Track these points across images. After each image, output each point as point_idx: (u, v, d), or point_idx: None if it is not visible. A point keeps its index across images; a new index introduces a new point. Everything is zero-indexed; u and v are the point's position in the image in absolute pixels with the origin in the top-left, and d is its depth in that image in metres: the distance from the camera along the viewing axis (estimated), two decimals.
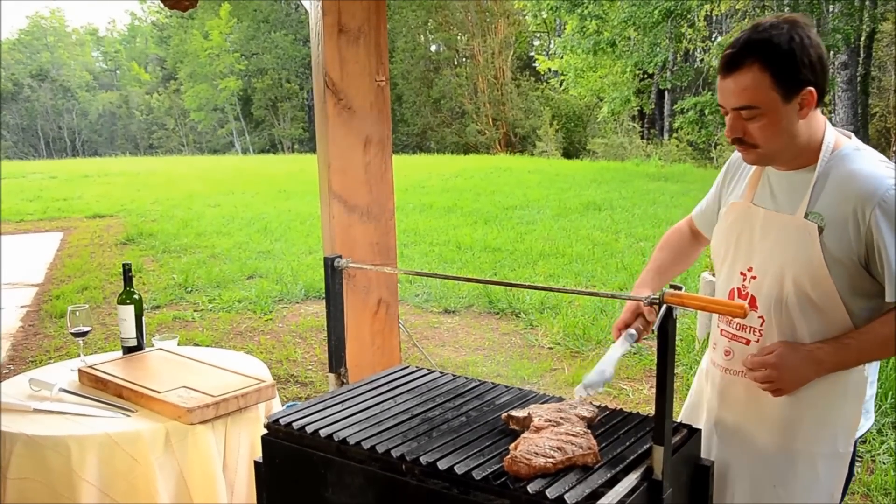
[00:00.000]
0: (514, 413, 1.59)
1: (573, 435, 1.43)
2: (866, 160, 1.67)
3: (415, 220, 12.14)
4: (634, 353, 5.62)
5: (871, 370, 1.75)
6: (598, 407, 1.68)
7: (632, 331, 1.77)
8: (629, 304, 1.85)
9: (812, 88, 1.60)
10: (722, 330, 1.85)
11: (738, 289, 1.80)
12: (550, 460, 1.35)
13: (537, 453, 1.36)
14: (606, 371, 1.62)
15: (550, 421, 1.51)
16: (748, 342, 1.77)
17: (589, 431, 1.46)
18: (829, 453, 1.74)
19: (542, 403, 1.66)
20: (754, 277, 1.76)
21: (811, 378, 1.68)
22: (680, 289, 1.36)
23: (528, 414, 1.56)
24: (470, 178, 18.50)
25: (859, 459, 3.89)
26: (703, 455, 1.68)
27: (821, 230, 1.63)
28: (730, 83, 1.61)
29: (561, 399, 1.73)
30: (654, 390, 1.43)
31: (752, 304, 1.76)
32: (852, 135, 1.76)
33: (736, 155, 1.92)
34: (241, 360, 2.84)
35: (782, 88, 1.58)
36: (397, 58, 35.32)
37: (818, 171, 1.67)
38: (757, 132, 1.63)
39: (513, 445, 1.42)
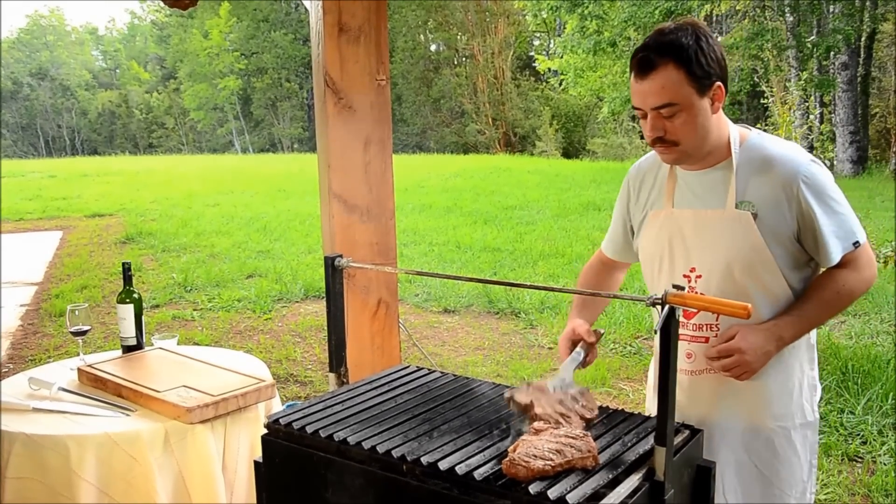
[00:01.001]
0: (516, 397, 1.59)
1: (573, 437, 1.42)
2: (776, 144, 1.79)
3: (414, 220, 12.14)
4: (634, 353, 5.62)
5: (812, 334, 1.88)
6: (600, 407, 1.67)
7: (580, 353, 1.85)
8: (569, 332, 1.92)
9: (720, 83, 1.70)
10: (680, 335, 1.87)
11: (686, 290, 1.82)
12: (549, 463, 1.34)
13: (536, 455, 1.35)
14: (567, 379, 1.70)
15: (550, 422, 1.50)
16: (707, 340, 1.82)
17: (588, 434, 1.46)
18: (801, 424, 1.86)
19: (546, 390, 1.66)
20: (699, 276, 1.81)
21: (773, 354, 1.75)
22: (682, 289, 1.35)
23: (531, 402, 1.56)
24: (469, 178, 18.50)
25: (860, 460, 3.89)
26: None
27: (755, 216, 1.72)
28: (648, 84, 1.67)
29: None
30: None
31: None
32: (750, 127, 1.86)
33: (633, 174, 2.01)
34: (240, 360, 2.84)
35: (696, 83, 1.66)
36: (397, 58, 35.32)
37: (736, 162, 1.75)
38: (677, 129, 1.70)
39: (511, 448, 1.41)
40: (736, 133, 1.79)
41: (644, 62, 1.66)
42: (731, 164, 1.76)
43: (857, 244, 1.77)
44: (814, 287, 1.81)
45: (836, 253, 1.75)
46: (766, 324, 1.75)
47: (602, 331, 1.86)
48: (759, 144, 1.78)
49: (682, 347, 1.85)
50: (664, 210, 1.87)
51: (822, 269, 1.83)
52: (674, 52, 1.64)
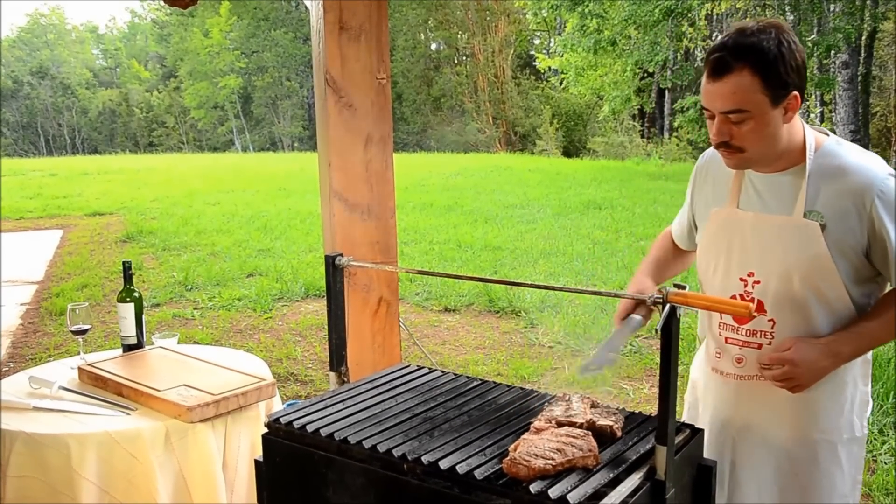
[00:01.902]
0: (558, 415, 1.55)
1: (573, 437, 1.42)
2: (853, 154, 1.71)
3: (415, 219, 12.14)
4: (635, 353, 5.61)
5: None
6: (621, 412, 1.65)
7: (636, 316, 1.76)
8: (635, 292, 1.84)
9: (797, 93, 1.64)
10: (728, 339, 1.84)
11: (741, 295, 1.79)
12: (550, 462, 1.34)
13: (537, 455, 1.35)
14: (611, 355, 1.62)
15: (551, 422, 1.50)
16: (760, 346, 1.77)
17: (589, 433, 1.45)
18: (848, 439, 1.80)
19: (578, 402, 1.62)
20: (757, 282, 1.76)
21: (829, 370, 1.71)
22: (684, 288, 1.35)
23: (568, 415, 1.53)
24: (470, 177, 18.50)
25: None
26: (716, 459, 1.68)
27: (823, 227, 1.65)
28: (720, 86, 1.61)
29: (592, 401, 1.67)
30: (654, 389, 1.43)
31: (760, 308, 1.76)
32: (829, 132, 1.79)
33: (701, 164, 1.96)
34: (241, 359, 2.84)
35: (771, 93, 1.60)
36: (398, 56, 35.32)
37: (809, 170, 1.69)
38: (744, 136, 1.64)
39: (512, 447, 1.41)
40: (812, 139, 1.72)
41: (719, 63, 1.60)
42: (803, 170, 1.70)
43: None
44: (879, 305, 1.74)
45: None
46: (824, 339, 1.70)
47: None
48: (835, 152, 1.71)
49: (733, 352, 1.83)
50: (727, 209, 1.82)
51: (890, 286, 1.77)
52: (752, 57, 1.58)
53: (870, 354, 1.82)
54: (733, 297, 1.78)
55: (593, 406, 1.59)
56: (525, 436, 1.46)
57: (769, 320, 1.75)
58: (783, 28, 1.63)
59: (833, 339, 1.70)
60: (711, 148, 1.87)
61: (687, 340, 5.48)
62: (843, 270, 1.68)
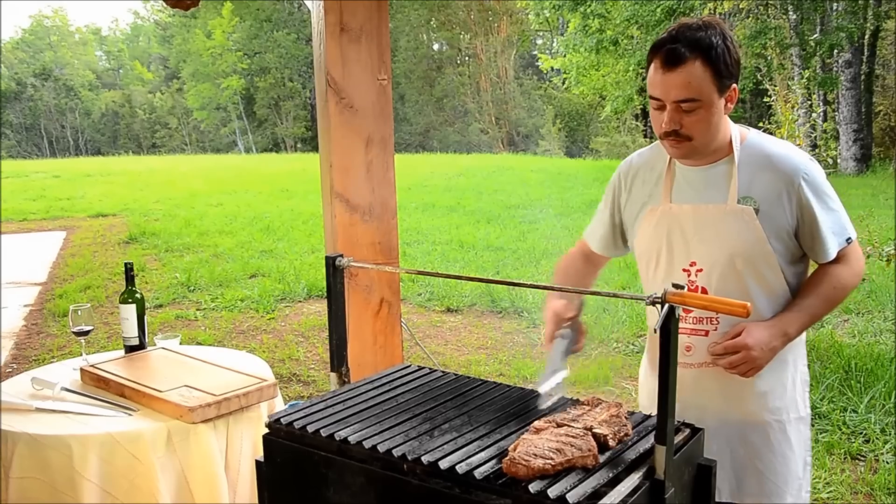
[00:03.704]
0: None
1: (573, 436, 1.42)
2: (777, 144, 1.84)
3: (417, 220, 12.14)
4: (637, 352, 5.61)
5: None
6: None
7: (565, 331, 1.82)
8: (551, 315, 1.86)
9: (735, 85, 1.75)
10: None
11: (685, 285, 1.81)
12: (549, 462, 1.34)
13: (536, 454, 1.35)
14: (559, 371, 1.66)
15: (551, 422, 1.50)
16: (707, 333, 1.83)
17: (589, 433, 1.45)
18: (796, 418, 1.90)
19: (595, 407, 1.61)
20: (700, 270, 1.83)
21: (778, 349, 1.78)
22: (682, 288, 1.35)
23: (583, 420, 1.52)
24: (472, 177, 18.50)
25: (863, 459, 3.89)
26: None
27: (756, 211, 1.76)
28: (674, 77, 1.69)
29: (617, 405, 1.63)
30: None
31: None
32: (748, 126, 1.90)
33: (625, 169, 2.01)
34: (243, 360, 2.84)
35: (718, 83, 1.70)
36: (399, 57, 35.33)
37: (738, 160, 1.79)
38: (693, 125, 1.72)
39: (512, 447, 1.41)
40: (737, 132, 1.83)
41: (673, 54, 1.68)
42: (733, 160, 1.80)
43: (849, 240, 1.84)
44: (812, 283, 1.86)
45: (832, 249, 1.81)
46: (771, 320, 1.78)
47: (582, 299, 1.77)
48: (760, 142, 1.83)
49: (682, 341, 1.85)
50: (662, 205, 1.88)
51: (814, 265, 1.89)
52: (703, 50, 1.67)
53: (804, 334, 1.93)
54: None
55: (616, 416, 1.55)
56: (525, 435, 1.46)
57: (714, 312, 1.79)
58: (723, 25, 1.73)
59: (779, 318, 1.79)
60: (633, 154, 2.04)
61: None
62: (778, 252, 1.79)
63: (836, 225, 1.81)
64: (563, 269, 2.19)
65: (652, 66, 1.73)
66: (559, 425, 1.48)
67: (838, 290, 1.85)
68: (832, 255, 1.82)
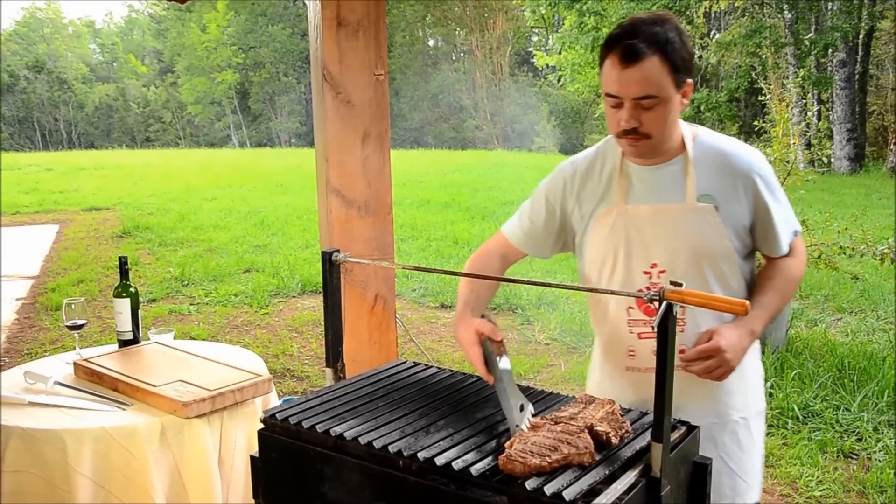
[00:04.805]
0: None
1: (569, 434, 1.42)
2: (728, 141, 1.84)
3: (412, 216, 12.13)
4: None
5: None
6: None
7: (505, 361, 1.71)
8: (470, 338, 1.76)
9: (690, 80, 1.73)
10: (641, 334, 1.84)
11: (648, 287, 1.76)
12: (546, 459, 1.34)
13: (532, 452, 1.35)
14: (525, 404, 1.57)
15: (548, 419, 1.50)
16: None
17: (585, 430, 1.45)
18: (756, 412, 1.92)
19: (590, 405, 1.58)
20: (662, 272, 1.80)
21: (748, 348, 1.76)
22: (680, 285, 1.35)
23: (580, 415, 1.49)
24: (468, 174, 18.50)
25: (855, 457, 3.90)
26: None
27: (716, 209, 1.76)
28: (633, 73, 1.65)
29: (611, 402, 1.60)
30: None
31: None
32: (696, 125, 1.89)
33: (571, 172, 1.92)
34: (237, 355, 2.84)
35: (675, 78, 1.67)
36: (395, 52, 35.28)
37: (692, 158, 1.78)
38: (652, 122, 1.69)
39: (508, 444, 1.41)
40: (688, 130, 1.82)
41: (631, 50, 1.63)
42: (686, 158, 1.78)
43: (796, 232, 1.87)
44: (766, 278, 1.86)
45: (785, 242, 1.84)
46: (737, 319, 1.76)
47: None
48: (712, 139, 1.83)
49: (649, 346, 1.81)
50: (617, 207, 1.83)
51: (763, 260, 1.91)
52: (660, 45, 1.64)
53: None
54: (641, 290, 1.69)
55: (612, 413, 1.53)
56: (521, 432, 1.46)
57: (680, 307, 1.76)
58: (675, 19, 1.71)
59: (743, 317, 1.75)
60: (577, 156, 1.97)
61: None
62: (736, 248, 1.79)
63: (786, 219, 1.84)
64: (480, 271, 2.04)
65: (607, 62, 1.68)
66: (556, 422, 1.48)
67: (791, 283, 1.87)
68: (785, 248, 1.84)
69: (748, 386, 1.90)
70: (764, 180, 1.78)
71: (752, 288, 1.86)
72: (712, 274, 1.79)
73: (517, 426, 1.51)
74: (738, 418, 1.88)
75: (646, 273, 1.81)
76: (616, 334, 1.90)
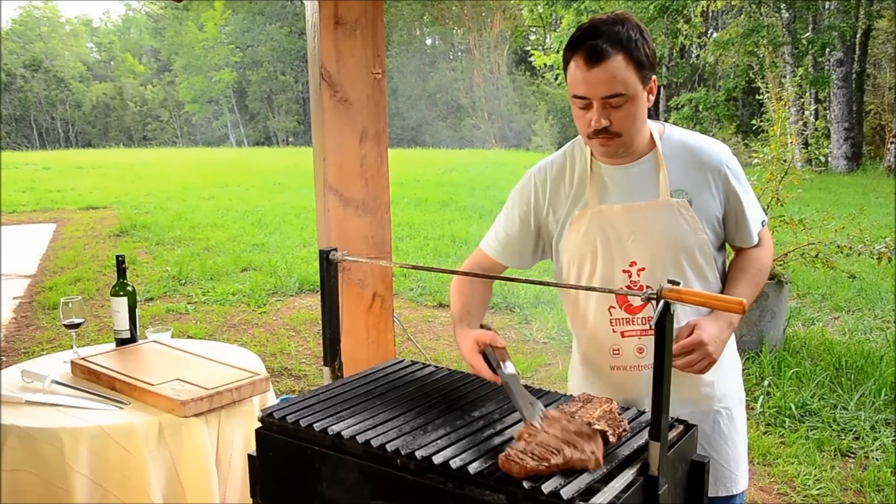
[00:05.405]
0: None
1: (580, 436, 1.39)
2: (695, 136, 1.87)
3: (410, 214, 12.13)
4: None
5: None
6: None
7: (509, 366, 1.73)
8: (470, 348, 1.78)
9: (655, 76, 1.74)
10: (624, 332, 1.84)
11: (629, 286, 1.80)
12: (545, 463, 1.32)
13: (533, 454, 1.33)
14: (535, 402, 1.56)
15: (550, 417, 1.47)
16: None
17: (598, 434, 1.42)
18: (738, 401, 1.96)
19: (587, 403, 1.58)
20: (642, 269, 1.80)
21: (727, 340, 1.79)
22: (678, 284, 1.35)
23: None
24: (465, 173, 18.50)
25: (853, 456, 3.91)
26: None
27: (690, 203, 1.78)
28: (599, 72, 1.65)
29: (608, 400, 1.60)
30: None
31: None
32: (663, 122, 1.90)
33: (541, 177, 1.93)
34: (234, 353, 2.83)
35: (641, 75, 1.69)
36: (393, 51, 35.26)
37: (663, 154, 1.80)
38: (622, 120, 1.70)
39: (517, 435, 1.40)
40: (655, 127, 1.83)
41: (595, 50, 1.64)
42: (657, 155, 1.80)
43: (763, 222, 1.91)
44: (738, 269, 1.89)
45: (755, 233, 1.88)
46: (715, 312, 1.76)
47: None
48: (679, 135, 1.85)
49: (633, 343, 1.84)
50: (591, 208, 1.83)
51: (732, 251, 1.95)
52: (623, 43, 1.65)
53: None
54: (621, 288, 1.75)
55: (610, 412, 1.52)
56: (530, 428, 1.43)
57: (709, 308, 1.77)
58: (635, 18, 1.72)
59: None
60: (545, 161, 1.97)
61: None
62: (710, 240, 1.81)
63: (755, 209, 1.87)
64: (467, 296, 1.98)
65: (572, 64, 1.69)
66: (570, 421, 1.46)
67: (763, 273, 1.90)
68: (755, 239, 1.87)
69: (727, 376, 1.92)
70: (733, 172, 1.81)
71: (724, 280, 1.89)
72: (690, 267, 1.81)
73: (530, 422, 1.49)
74: (720, 408, 1.90)
75: (625, 272, 1.82)
76: (598, 334, 1.90)
